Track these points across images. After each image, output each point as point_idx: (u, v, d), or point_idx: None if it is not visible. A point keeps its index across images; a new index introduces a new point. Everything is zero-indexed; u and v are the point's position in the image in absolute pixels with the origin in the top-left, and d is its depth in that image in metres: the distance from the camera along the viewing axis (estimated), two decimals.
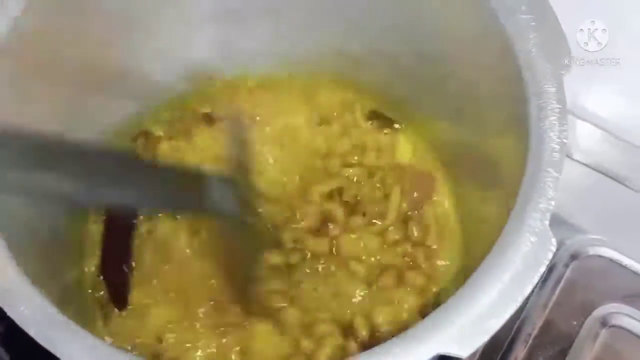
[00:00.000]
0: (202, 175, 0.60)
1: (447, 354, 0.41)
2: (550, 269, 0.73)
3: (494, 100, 0.54)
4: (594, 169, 0.78)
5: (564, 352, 0.69)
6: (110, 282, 0.63)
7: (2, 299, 0.42)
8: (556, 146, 0.45)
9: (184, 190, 0.56)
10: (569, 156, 0.78)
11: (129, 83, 0.65)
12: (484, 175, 0.57)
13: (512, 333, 0.69)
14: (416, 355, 0.40)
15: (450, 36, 0.58)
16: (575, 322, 0.70)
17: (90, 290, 0.63)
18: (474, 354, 0.67)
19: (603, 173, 0.78)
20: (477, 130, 0.57)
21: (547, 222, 0.43)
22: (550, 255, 0.42)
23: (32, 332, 0.40)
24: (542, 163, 0.45)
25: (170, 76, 0.69)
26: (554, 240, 0.43)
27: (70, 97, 0.59)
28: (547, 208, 0.44)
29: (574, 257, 0.73)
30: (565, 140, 0.45)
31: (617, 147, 0.79)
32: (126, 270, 0.64)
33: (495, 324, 0.41)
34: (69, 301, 0.53)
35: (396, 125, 0.70)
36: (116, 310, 0.62)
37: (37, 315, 0.41)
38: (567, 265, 0.73)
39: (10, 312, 0.41)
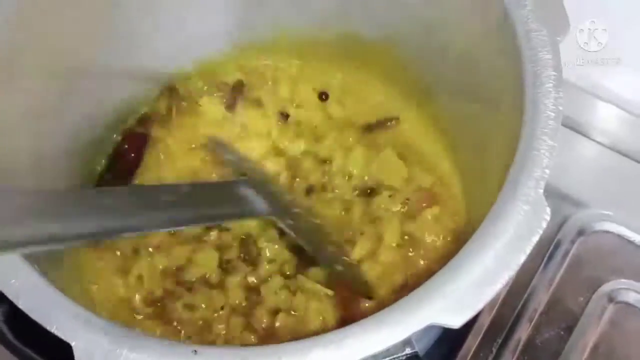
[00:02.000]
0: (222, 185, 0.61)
1: (440, 324, 0.40)
2: (557, 245, 0.72)
3: (491, 69, 0.53)
4: (608, 147, 0.78)
5: (570, 328, 0.68)
6: None
7: None
8: (551, 114, 0.44)
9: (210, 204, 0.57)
10: (585, 135, 0.77)
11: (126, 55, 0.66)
12: (482, 144, 0.57)
13: (518, 310, 0.69)
14: (409, 325, 0.40)
15: (449, 5, 0.57)
16: (581, 299, 0.69)
17: None
18: (479, 330, 0.67)
19: (617, 151, 0.77)
20: (475, 100, 0.57)
21: (541, 191, 0.43)
22: (544, 224, 0.42)
23: (20, 303, 0.41)
24: (536, 131, 0.44)
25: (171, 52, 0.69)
26: (548, 209, 0.42)
27: (69, 69, 0.59)
28: (541, 176, 0.43)
29: (580, 232, 0.73)
30: (560, 108, 0.44)
31: (633, 125, 0.78)
32: None
33: (488, 294, 0.40)
34: None
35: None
36: None
37: (25, 287, 0.42)
38: (573, 242, 0.72)
39: (1, 285, 0.42)
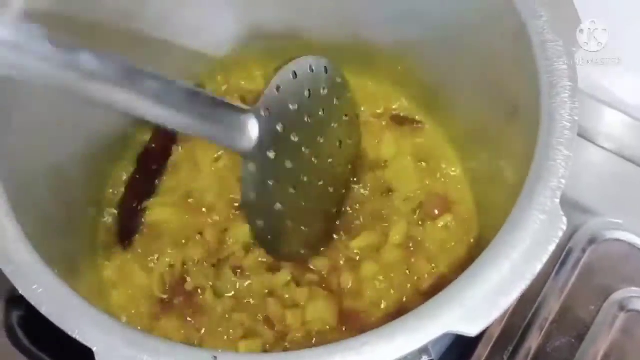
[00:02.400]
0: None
1: (457, 333, 0.40)
2: (568, 254, 0.72)
3: (506, 79, 0.53)
4: (616, 153, 0.78)
5: (581, 337, 0.68)
6: (124, 221, 0.66)
7: (15, 278, 0.43)
8: (567, 124, 0.45)
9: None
10: (593, 142, 0.78)
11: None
12: (496, 153, 0.57)
13: (529, 318, 0.69)
14: (426, 333, 0.40)
15: (465, 16, 0.57)
16: (592, 307, 0.70)
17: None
18: (490, 338, 0.68)
19: (626, 158, 0.77)
20: (489, 109, 0.57)
21: (557, 201, 0.43)
22: (560, 234, 0.42)
23: (43, 309, 0.41)
24: (552, 141, 0.44)
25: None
26: (564, 219, 0.42)
27: None
28: (557, 186, 0.43)
29: (591, 241, 0.73)
30: (576, 118, 0.45)
31: (635, 130, 0.78)
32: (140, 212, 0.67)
33: (504, 302, 0.41)
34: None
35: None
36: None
37: (49, 294, 0.42)
38: (584, 250, 0.72)
39: (23, 291, 0.42)
